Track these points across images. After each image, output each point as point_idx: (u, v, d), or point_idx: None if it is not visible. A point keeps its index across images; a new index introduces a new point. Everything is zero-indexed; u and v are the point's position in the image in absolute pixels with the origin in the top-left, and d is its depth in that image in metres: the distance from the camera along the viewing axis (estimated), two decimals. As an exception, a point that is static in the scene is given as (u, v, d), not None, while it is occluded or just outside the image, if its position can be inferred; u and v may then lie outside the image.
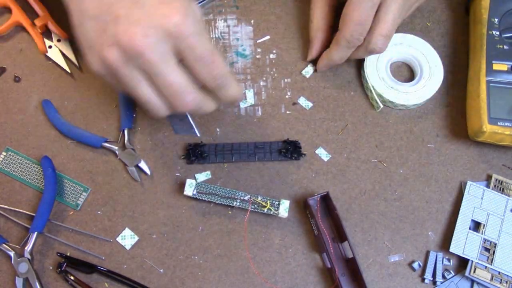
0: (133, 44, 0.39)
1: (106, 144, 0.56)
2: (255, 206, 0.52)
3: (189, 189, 0.53)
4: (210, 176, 0.56)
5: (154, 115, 0.44)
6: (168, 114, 0.44)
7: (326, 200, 0.54)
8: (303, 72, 0.61)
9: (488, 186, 0.57)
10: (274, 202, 0.52)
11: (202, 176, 0.56)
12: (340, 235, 0.54)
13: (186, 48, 0.40)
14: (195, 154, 0.56)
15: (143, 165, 0.56)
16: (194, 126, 0.51)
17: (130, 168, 0.56)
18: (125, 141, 0.56)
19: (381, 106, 0.58)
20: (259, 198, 0.52)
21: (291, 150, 0.56)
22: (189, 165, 0.57)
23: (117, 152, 0.56)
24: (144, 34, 0.38)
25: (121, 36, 0.39)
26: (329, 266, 0.52)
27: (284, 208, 0.52)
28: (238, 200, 0.52)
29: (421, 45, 0.61)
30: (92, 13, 0.41)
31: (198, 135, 0.52)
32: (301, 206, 0.56)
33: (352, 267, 0.52)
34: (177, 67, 0.41)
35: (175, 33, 0.39)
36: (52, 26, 0.59)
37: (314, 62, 0.61)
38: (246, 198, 0.52)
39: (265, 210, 0.52)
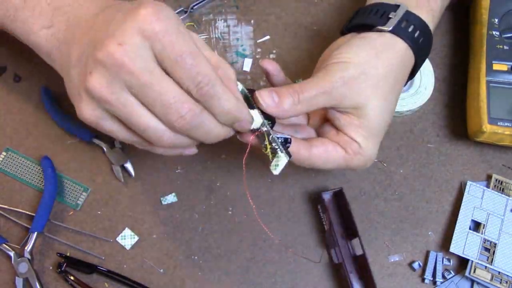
0: (110, 57, 0.35)
1: (96, 140, 0.56)
2: (262, 141, 0.43)
3: None
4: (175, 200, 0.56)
5: (158, 144, 0.40)
6: (172, 140, 0.39)
7: (338, 196, 0.54)
8: None
9: (488, 186, 0.57)
10: (277, 149, 0.42)
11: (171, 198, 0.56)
12: (349, 232, 0.54)
13: (163, 50, 0.35)
14: None
15: (128, 166, 0.56)
16: None
17: (115, 167, 0.56)
18: (115, 140, 0.56)
19: None
20: (270, 136, 0.42)
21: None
22: (190, 164, 0.57)
23: (105, 149, 0.56)
24: (119, 43, 0.35)
25: (98, 55, 0.35)
26: (339, 261, 0.52)
27: (277, 164, 0.42)
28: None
29: None
30: (76, 59, 0.39)
31: None
32: (301, 204, 0.56)
33: (360, 264, 0.52)
34: (163, 75, 0.36)
35: (148, 31, 0.35)
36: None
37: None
38: (262, 128, 0.43)
39: (265, 150, 0.43)
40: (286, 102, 0.42)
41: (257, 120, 0.42)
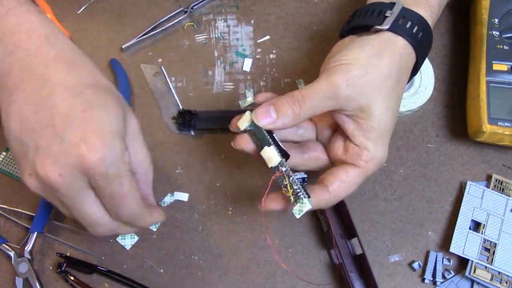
0: (49, 181, 0.38)
1: None
2: (280, 180, 0.42)
3: (244, 124, 0.44)
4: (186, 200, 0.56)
5: None
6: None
7: None
8: None
9: (488, 186, 0.57)
10: (299, 193, 0.42)
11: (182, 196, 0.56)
12: (348, 232, 0.54)
13: (97, 187, 0.39)
14: (186, 121, 0.56)
15: None
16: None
17: None
18: None
19: None
20: (291, 178, 0.42)
21: None
22: (190, 164, 0.57)
23: None
24: (60, 173, 0.38)
25: (39, 170, 0.38)
26: (339, 262, 0.52)
27: (301, 210, 0.42)
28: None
29: None
30: (15, 134, 0.39)
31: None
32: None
33: (360, 263, 0.52)
34: (92, 201, 0.40)
35: (87, 172, 0.38)
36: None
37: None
38: (281, 168, 0.42)
39: (286, 192, 0.43)
40: (287, 114, 0.42)
41: (275, 159, 0.42)
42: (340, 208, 0.54)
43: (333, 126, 0.47)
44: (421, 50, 0.47)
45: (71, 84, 0.39)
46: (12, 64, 0.40)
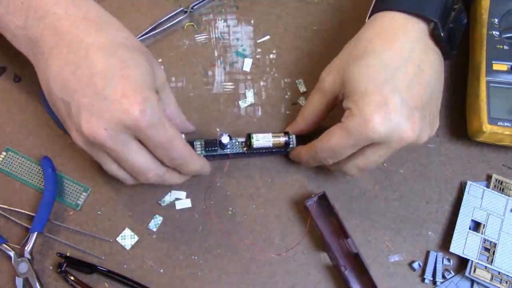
0: (94, 136, 0.41)
1: None
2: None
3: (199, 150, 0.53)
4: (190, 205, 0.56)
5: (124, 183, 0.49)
6: (135, 183, 0.49)
7: (324, 199, 0.54)
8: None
9: (488, 186, 0.57)
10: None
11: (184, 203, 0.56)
12: (343, 233, 0.54)
13: (144, 138, 0.43)
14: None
15: None
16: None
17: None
18: None
19: None
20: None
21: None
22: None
23: None
24: (104, 128, 0.40)
25: (84, 127, 0.41)
26: (335, 262, 0.52)
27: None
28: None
29: None
30: (57, 95, 0.42)
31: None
32: (302, 204, 0.56)
33: (357, 263, 0.53)
34: (138, 149, 0.44)
35: (133, 127, 0.41)
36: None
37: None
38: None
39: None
40: (296, 122, 0.55)
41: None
42: (330, 210, 0.54)
43: None
44: (410, 4, 0.47)
45: (104, 44, 0.42)
46: (44, 29, 0.42)
